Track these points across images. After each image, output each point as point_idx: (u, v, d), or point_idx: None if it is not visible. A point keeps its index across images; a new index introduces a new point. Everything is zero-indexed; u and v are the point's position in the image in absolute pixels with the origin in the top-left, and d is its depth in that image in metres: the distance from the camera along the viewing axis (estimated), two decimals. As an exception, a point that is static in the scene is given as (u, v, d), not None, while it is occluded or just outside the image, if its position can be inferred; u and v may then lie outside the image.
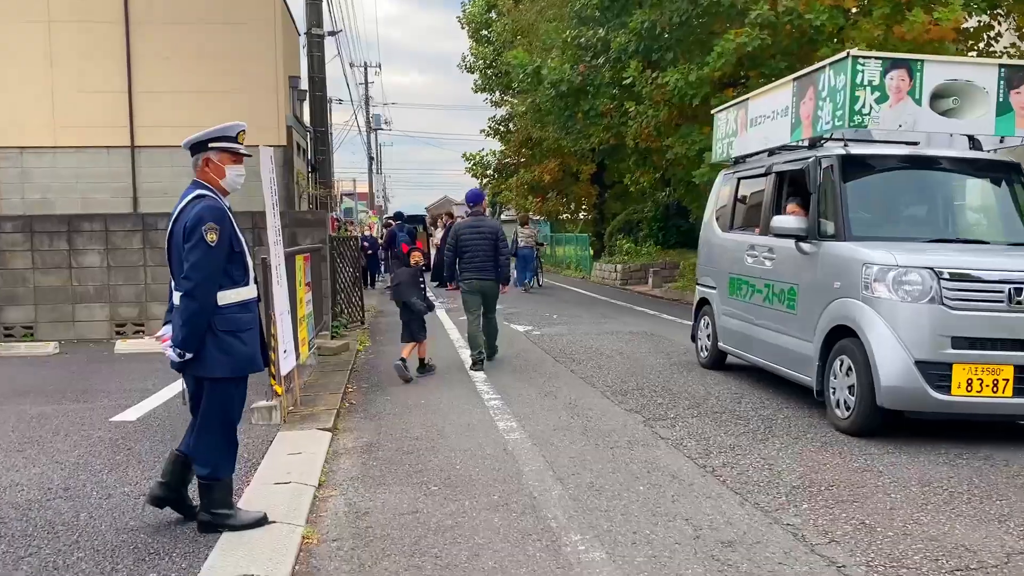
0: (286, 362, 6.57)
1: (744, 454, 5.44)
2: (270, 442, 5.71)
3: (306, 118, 16.89)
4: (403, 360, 8.38)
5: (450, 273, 9.37)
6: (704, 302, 8.93)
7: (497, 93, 33.86)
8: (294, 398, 7.03)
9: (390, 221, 24.18)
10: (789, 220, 6.96)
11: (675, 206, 24.18)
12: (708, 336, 8.71)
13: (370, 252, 21.14)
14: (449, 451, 5.61)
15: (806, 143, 7.42)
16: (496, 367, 9.05)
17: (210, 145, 4.07)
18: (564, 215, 33.33)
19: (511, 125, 33.81)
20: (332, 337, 11.45)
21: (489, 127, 34.44)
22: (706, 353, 8.76)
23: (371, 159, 58.91)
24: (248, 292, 4.09)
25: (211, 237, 3.81)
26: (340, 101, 69.68)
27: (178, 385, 4.40)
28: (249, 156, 4.21)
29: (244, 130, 4.23)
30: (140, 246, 11.11)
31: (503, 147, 34.35)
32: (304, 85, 16.81)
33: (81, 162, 16.80)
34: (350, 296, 13.27)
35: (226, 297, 3.94)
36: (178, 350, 3.85)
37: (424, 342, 8.78)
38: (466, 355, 9.62)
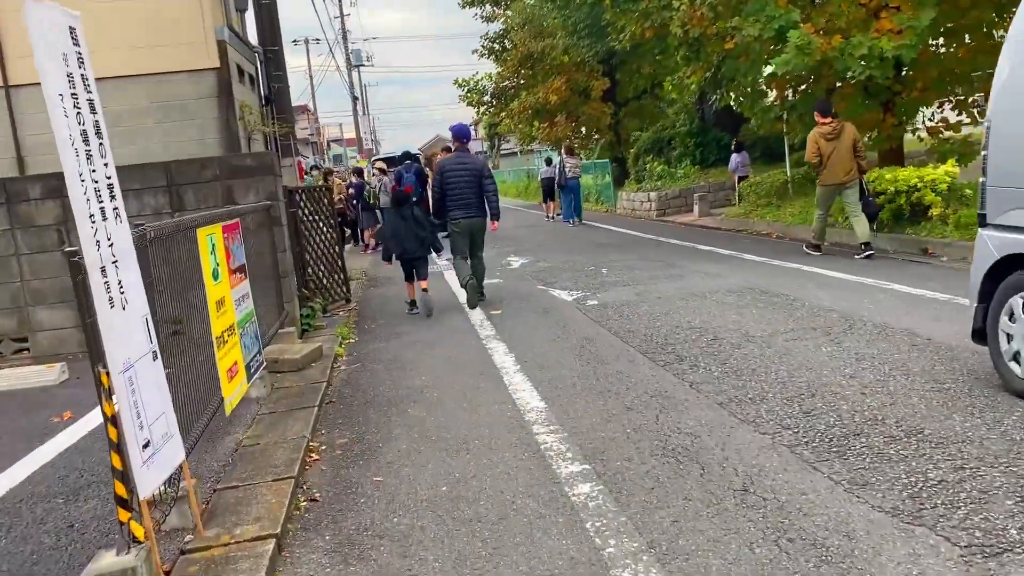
0: (154, 467, 3.11)
1: None
2: None
3: (252, 38, 13.02)
4: (412, 302, 8.77)
5: (439, 213, 8.90)
6: (1015, 263, 4.39)
7: (487, 5, 29.65)
8: (193, 516, 3.57)
9: (382, 165, 20.63)
10: None
11: (715, 115, 20.41)
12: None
13: (356, 202, 17.55)
14: None
15: None
16: (567, 393, 5.57)
17: None
18: (575, 140, 29.44)
19: (506, 42, 29.67)
20: (302, 334, 7.98)
21: (482, 46, 30.27)
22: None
23: (355, 99, 54.75)
24: None
25: None
26: (317, 41, 64.88)
27: None
28: None
29: None
30: (6, 226, 7.56)
31: (499, 69, 30.25)
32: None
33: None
34: (330, 267, 9.77)
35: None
36: None
37: (408, 284, 8.78)
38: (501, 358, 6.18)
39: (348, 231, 18.66)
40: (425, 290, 8.69)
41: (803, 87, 13.44)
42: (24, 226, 7.55)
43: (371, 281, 12.23)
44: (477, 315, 8.22)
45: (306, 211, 9.43)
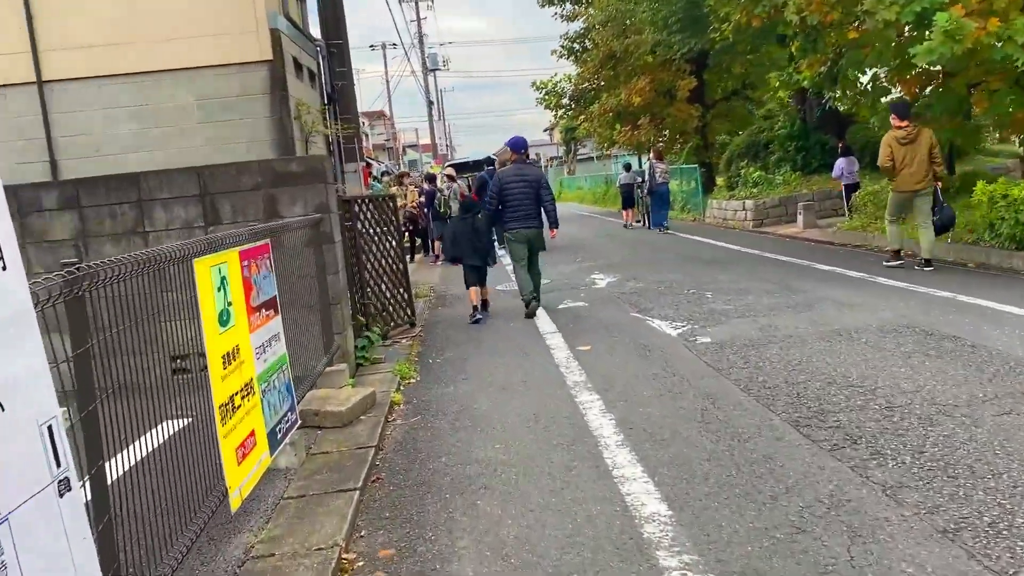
0: None
1: None
2: None
3: (315, 31, 11.91)
4: (476, 307, 8.71)
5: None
6: None
7: (568, 4, 28.27)
8: None
9: (451, 171, 19.50)
10: None
11: (819, 116, 18.56)
12: None
13: (427, 209, 16.37)
14: None
15: None
16: (697, 491, 4.12)
17: None
18: (660, 143, 27.74)
19: (587, 41, 28.24)
20: (356, 369, 6.75)
21: (561, 47, 28.91)
22: None
23: (430, 104, 54.13)
24: None
25: None
26: (394, 46, 64.92)
27: None
28: None
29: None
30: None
31: (579, 70, 28.82)
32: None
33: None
34: (392, 287, 8.55)
35: None
36: None
37: (471, 291, 8.75)
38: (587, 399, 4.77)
39: (419, 240, 17.53)
40: (485, 300, 8.99)
41: (935, 82, 11.66)
42: (36, 239, 6.51)
43: (439, 299, 10.97)
44: (562, 352, 6.83)
45: (367, 224, 8.21)
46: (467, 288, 8.97)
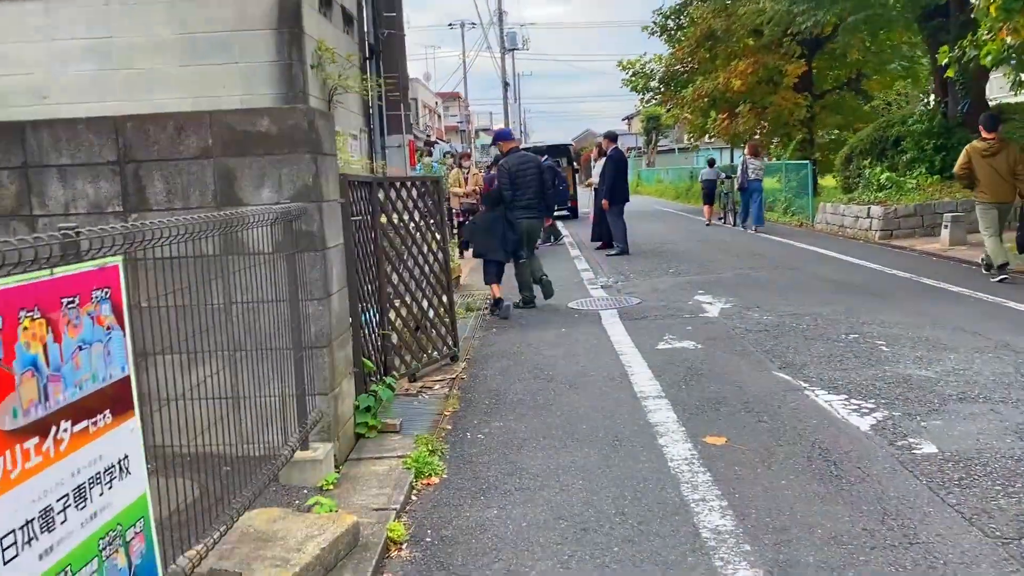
0: None
1: None
2: None
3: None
4: (499, 300, 8.22)
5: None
6: None
7: (664, -25, 25.37)
8: None
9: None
10: None
11: (968, 111, 15.40)
12: None
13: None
14: None
15: None
16: None
17: None
18: (758, 135, 24.59)
19: (682, 18, 25.31)
20: (357, 440, 4.32)
21: (654, 23, 26.02)
22: None
23: (506, 85, 51.66)
24: None
25: None
26: (473, 25, 62.50)
27: None
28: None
29: None
30: None
31: (672, 49, 25.86)
32: None
33: None
34: (429, 305, 6.11)
35: None
36: None
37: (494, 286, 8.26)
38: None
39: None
40: (500, 298, 8.36)
41: None
42: None
43: (497, 326, 8.46)
44: (680, 446, 4.22)
45: (401, 216, 5.76)
46: (487, 284, 8.48)
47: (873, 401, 4.76)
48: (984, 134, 9.32)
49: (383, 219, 5.59)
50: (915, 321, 6.93)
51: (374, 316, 5.35)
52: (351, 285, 4.69)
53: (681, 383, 5.40)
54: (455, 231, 13.61)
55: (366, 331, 5.10)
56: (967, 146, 9.57)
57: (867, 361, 5.67)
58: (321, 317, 4.11)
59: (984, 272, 9.35)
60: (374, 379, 4.92)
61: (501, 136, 9.04)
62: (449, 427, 4.83)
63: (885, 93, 29.15)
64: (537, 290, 8.62)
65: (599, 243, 14.60)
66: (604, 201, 13.41)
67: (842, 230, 16.13)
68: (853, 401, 4.78)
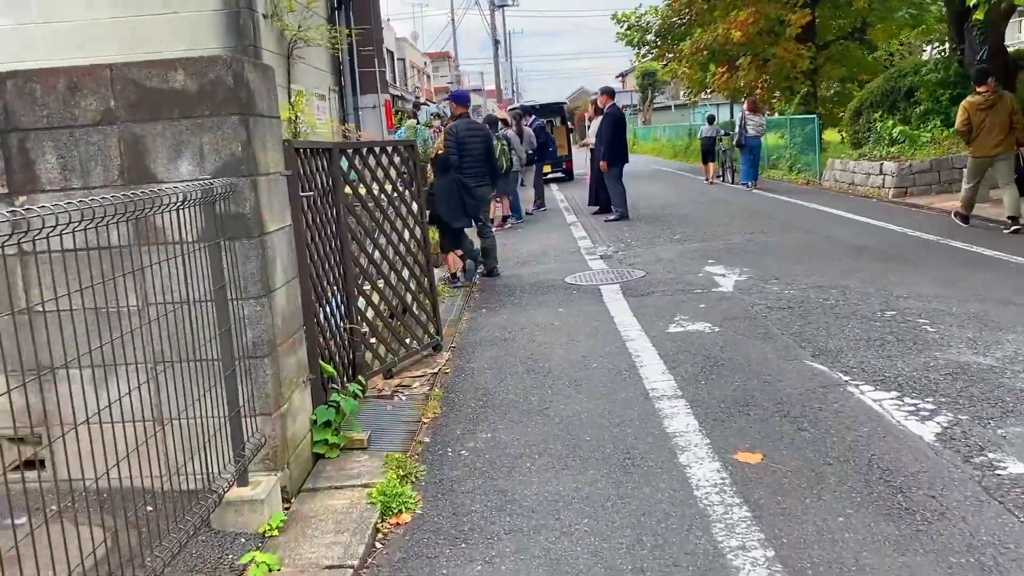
0: None
1: None
2: None
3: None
4: (455, 274, 7.88)
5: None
6: None
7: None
8: None
9: (504, 115, 16.23)
10: None
11: (981, 58, 14.48)
12: None
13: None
14: None
15: None
16: None
17: None
18: (759, 90, 23.54)
19: (679, -34, 24.10)
20: (315, 461, 3.53)
21: (649, -28, 24.83)
22: None
23: (496, 43, 50.31)
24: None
25: None
26: (460, -21, 61.02)
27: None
28: None
29: None
30: None
31: (669, 0, 24.69)
32: None
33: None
34: (406, 288, 5.32)
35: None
36: None
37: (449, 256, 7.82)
38: None
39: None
40: (464, 260, 8.11)
41: None
42: None
43: (488, 292, 7.67)
44: (704, 467, 3.46)
45: (369, 185, 4.95)
46: (443, 253, 7.96)
47: (931, 400, 3.99)
48: (977, 88, 9.49)
49: (348, 192, 4.77)
50: (956, 294, 6.15)
51: (339, 307, 4.55)
52: (304, 274, 3.88)
53: (699, 377, 4.62)
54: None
55: (330, 325, 4.31)
56: (963, 102, 9.74)
57: (912, 346, 4.89)
58: (260, 319, 3.31)
59: (954, 218, 9.86)
60: (336, 385, 4.13)
61: (456, 97, 8.60)
62: (427, 440, 4.06)
63: (888, 44, 28.08)
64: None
65: (596, 208, 13.76)
66: (602, 163, 12.51)
67: (852, 188, 15.30)
68: (907, 400, 4.01)
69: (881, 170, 14.34)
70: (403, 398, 4.72)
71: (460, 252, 8.02)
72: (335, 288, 4.50)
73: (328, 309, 4.38)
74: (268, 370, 3.34)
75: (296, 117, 6.90)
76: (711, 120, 21.03)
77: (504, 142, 13.07)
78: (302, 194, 3.90)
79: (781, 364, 4.74)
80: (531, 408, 4.37)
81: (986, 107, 9.31)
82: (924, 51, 27.55)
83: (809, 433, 3.70)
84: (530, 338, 5.82)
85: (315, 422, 3.81)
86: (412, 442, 4.00)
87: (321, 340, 4.09)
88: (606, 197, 13.10)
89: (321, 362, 3.98)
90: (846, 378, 4.40)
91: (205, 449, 3.07)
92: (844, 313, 5.76)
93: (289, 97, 7.00)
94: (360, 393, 4.14)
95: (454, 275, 7.98)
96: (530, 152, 14.84)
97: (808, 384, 4.36)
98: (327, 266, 4.35)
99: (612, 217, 12.54)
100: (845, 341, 5.08)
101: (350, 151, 4.82)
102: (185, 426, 3.15)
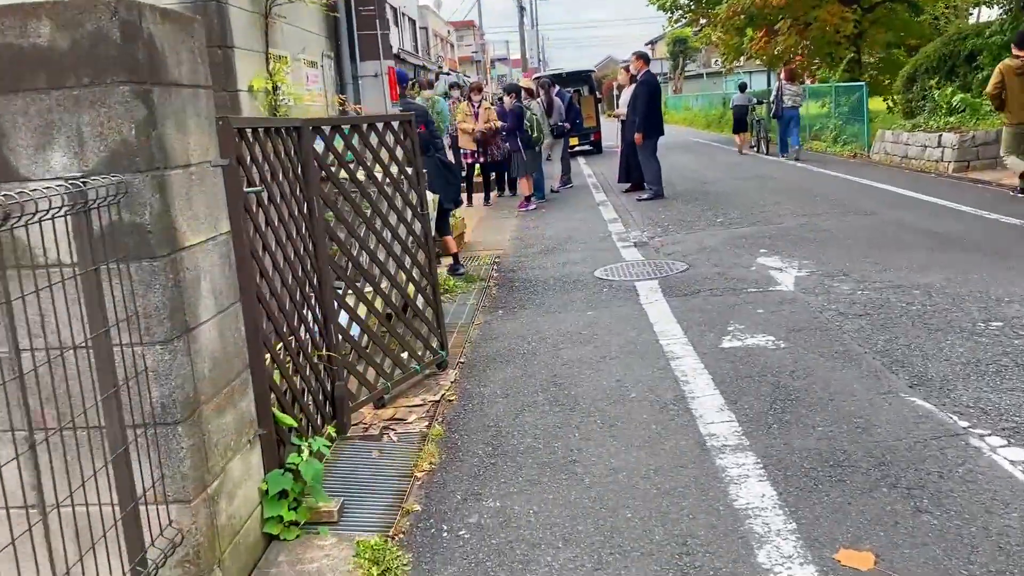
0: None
1: None
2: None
3: None
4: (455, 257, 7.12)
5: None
6: None
7: None
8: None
9: (547, 82, 15.18)
10: None
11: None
12: None
13: (503, 134, 12.00)
14: None
15: None
16: None
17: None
18: (799, 55, 22.10)
19: (715, -76, 22.69)
20: (266, 546, 2.57)
21: (682, -69, 23.41)
22: None
23: (522, 10, 48.94)
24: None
25: None
26: (484, -57, 59.23)
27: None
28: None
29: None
30: None
31: (703, -38, 23.31)
32: None
33: None
34: (400, 293, 4.37)
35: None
36: None
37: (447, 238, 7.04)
38: None
39: (493, 174, 13.20)
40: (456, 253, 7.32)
41: None
42: None
43: (505, 287, 6.69)
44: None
45: (354, 172, 4.00)
46: (442, 236, 7.12)
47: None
48: (1015, 51, 9.05)
49: (323, 181, 3.80)
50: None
51: (312, 326, 3.61)
52: (251, 297, 2.93)
53: (768, 416, 3.62)
54: (463, 175, 11.81)
55: (295, 355, 3.37)
56: (999, 64, 9.32)
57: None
58: (172, 371, 2.36)
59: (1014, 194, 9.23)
60: (303, 435, 3.19)
61: (399, 77, 7.86)
62: (418, 508, 3.12)
63: (934, 6, 26.46)
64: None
65: (627, 185, 12.68)
66: (637, 135, 11.40)
67: (905, 161, 14.05)
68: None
69: (940, 142, 13.07)
70: (394, 438, 3.78)
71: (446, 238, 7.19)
72: (305, 305, 3.55)
73: (304, 327, 3.44)
74: (185, 441, 2.40)
75: (275, 88, 5.94)
76: (743, 88, 19.84)
77: (533, 114, 12.09)
78: (247, 190, 2.93)
79: (873, 399, 3.72)
80: (554, 460, 3.41)
81: (1023, 72, 8.92)
82: (971, 15, 25.86)
83: (934, 520, 2.70)
84: (553, 353, 4.85)
85: (266, 493, 2.89)
86: (398, 512, 3.07)
87: (278, 379, 3.15)
88: (639, 174, 12.01)
89: (276, 411, 3.04)
90: (963, 423, 3.39)
91: (97, 551, 2.17)
92: (937, 324, 4.71)
93: (268, 64, 6.06)
94: (326, 449, 3.19)
95: (455, 263, 7.16)
96: (561, 123, 13.79)
97: (914, 432, 3.34)
98: (292, 279, 3.39)
99: (645, 196, 11.47)
100: (948, 366, 4.04)
101: (326, 129, 3.84)
102: (83, 513, 2.25)
